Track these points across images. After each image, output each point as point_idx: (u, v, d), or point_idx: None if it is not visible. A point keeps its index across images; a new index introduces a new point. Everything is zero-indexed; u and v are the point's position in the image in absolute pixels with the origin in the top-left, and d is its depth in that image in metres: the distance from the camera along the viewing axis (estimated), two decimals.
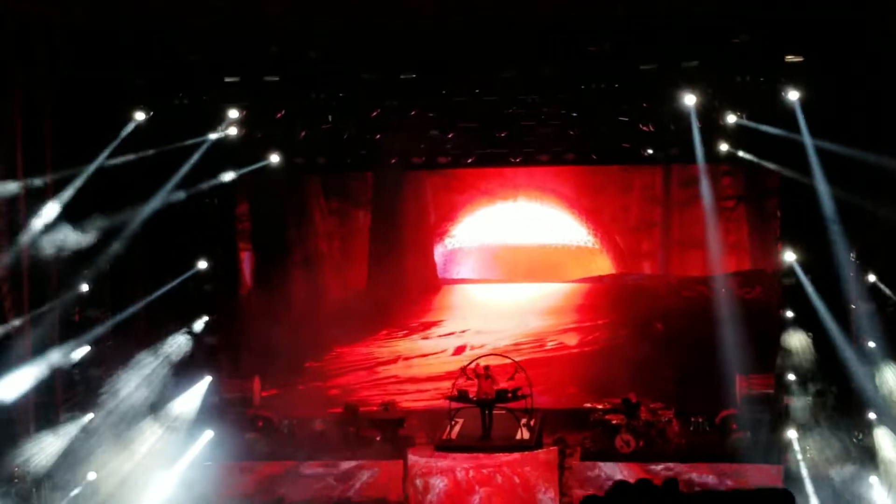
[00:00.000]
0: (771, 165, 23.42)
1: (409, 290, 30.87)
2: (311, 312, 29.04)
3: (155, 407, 22.71)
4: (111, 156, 21.91)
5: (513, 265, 30.94)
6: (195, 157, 23.10)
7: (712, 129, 23.53)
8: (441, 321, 30.62)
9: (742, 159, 24.03)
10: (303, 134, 24.38)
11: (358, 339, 29.73)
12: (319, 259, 30.43)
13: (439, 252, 31.20)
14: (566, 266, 30.90)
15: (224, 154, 23.85)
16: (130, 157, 22.14)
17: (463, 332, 30.03)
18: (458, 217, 31.25)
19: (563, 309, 30.53)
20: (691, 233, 29.55)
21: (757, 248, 28.41)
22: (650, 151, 24.71)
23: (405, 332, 30.23)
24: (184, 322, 23.79)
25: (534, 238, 31.05)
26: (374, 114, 23.78)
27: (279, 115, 23.95)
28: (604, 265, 30.91)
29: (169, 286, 23.39)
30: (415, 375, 28.94)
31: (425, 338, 30.12)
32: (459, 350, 29.23)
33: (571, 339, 29.71)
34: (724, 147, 23.72)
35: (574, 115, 23.99)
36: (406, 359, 29.51)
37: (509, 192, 30.48)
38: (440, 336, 30.16)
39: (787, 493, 3.45)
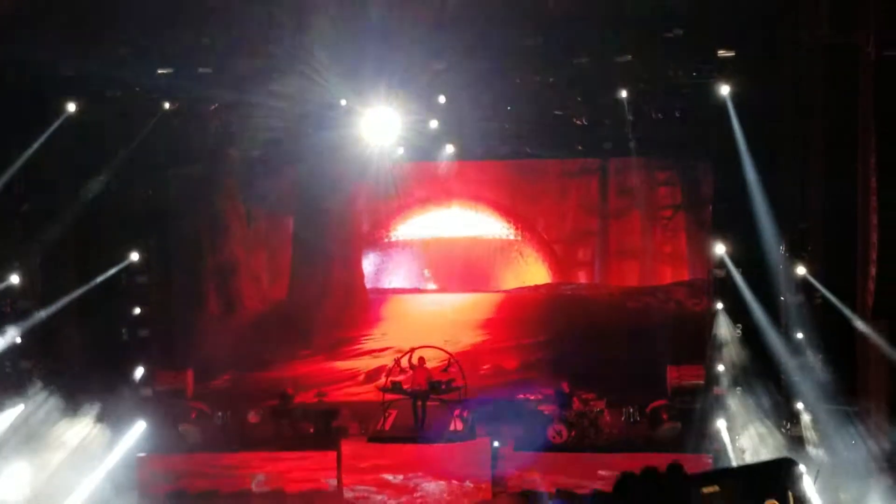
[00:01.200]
0: (702, 158, 23.65)
1: (332, 301, 29.72)
2: (222, 325, 27.88)
3: (84, 398, 22.61)
4: (43, 147, 21.81)
5: (446, 274, 30.37)
6: (128, 148, 23.03)
7: (645, 123, 23.71)
8: (361, 338, 29.22)
9: (675, 153, 24.26)
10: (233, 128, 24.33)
11: (259, 363, 27.61)
12: (235, 268, 29.30)
13: (370, 261, 30.64)
14: (501, 275, 30.39)
15: (158, 146, 23.74)
16: (62, 148, 22.01)
17: (383, 350, 28.52)
18: (391, 225, 30.70)
19: (499, 322, 29.00)
20: (628, 242, 29.41)
21: (695, 258, 27.81)
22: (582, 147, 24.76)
23: (309, 351, 28.46)
24: (116, 313, 23.69)
25: (468, 247, 30.44)
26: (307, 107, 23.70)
27: (213, 108, 23.86)
28: (539, 274, 30.51)
29: (101, 278, 23.27)
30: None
31: (335, 358, 28.41)
32: (376, 373, 27.19)
33: (510, 362, 27.95)
34: (656, 141, 23.91)
35: (509, 108, 24.06)
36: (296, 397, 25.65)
37: (443, 199, 30.00)
38: (357, 356, 28.55)
39: (789, 461, 3.52)
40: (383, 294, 30.53)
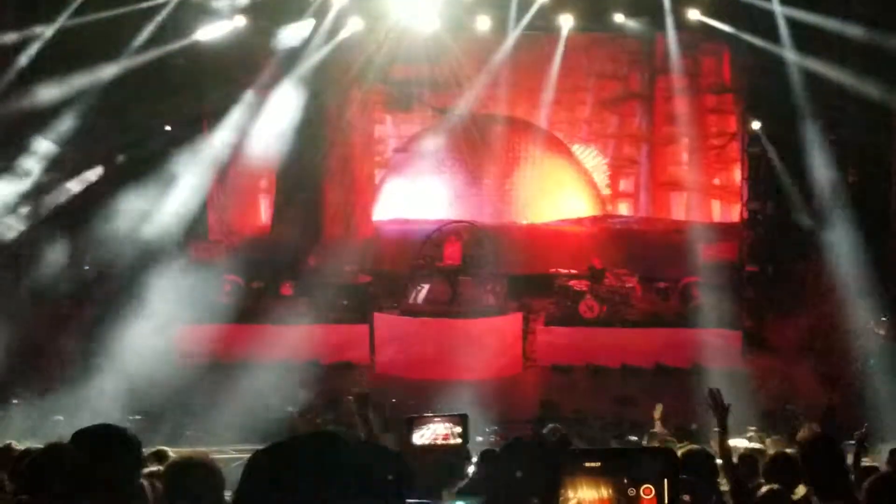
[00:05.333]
0: (742, 35, 23.27)
1: (326, 235, 26.94)
2: None
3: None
4: (73, 15, 21.63)
5: (475, 202, 28.57)
6: (161, 16, 22.84)
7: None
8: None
9: (714, 29, 23.86)
10: None
11: None
12: None
13: (395, 187, 29.25)
14: (537, 204, 28.80)
15: (190, 13, 23.52)
16: (93, 16, 21.78)
17: None
18: (409, 143, 29.22)
19: (547, 281, 25.10)
20: (675, 173, 28.22)
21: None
22: (620, 18, 24.25)
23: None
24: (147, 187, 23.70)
25: (498, 169, 28.79)
26: None
27: None
28: (578, 206, 29.14)
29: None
30: None
31: None
32: None
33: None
34: (695, 15, 23.54)
35: None
36: None
37: (469, 109, 27.89)
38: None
39: (669, 453, 3.46)
40: (403, 225, 28.28)
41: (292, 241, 25.99)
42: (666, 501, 3.10)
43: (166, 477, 5.28)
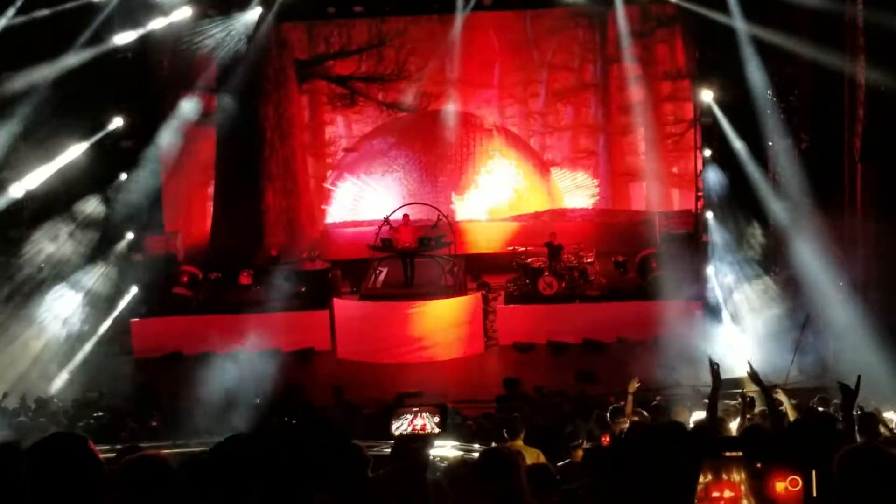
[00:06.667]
0: (691, 7, 23.28)
1: (267, 243, 26.46)
2: None
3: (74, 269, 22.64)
4: (18, 13, 21.31)
5: (430, 200, 26.99)
6: (107, 10, 22.53)
7: None
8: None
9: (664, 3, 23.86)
10: None
11: None
12: None
13: (340, 188, 28.81)
14: (493, 200, 28.56)
15: (137, 6, 23.23)
16: (37, 13, 21.47)
17: None
18: (360, 143, 28.70)
19: (505, 260, 25.26)
20: (633, 163, 28.13)
21: None
22: None
23: None
24: (101, 181, 23.48)
25: (453, 166, 28.40)
26: None
27: None
28: (535, 201, 28.69)
29: (86, 144, 23.05)
30: None
31: None
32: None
33: None
34: None
35: None
36: None
37: (418, 103, 27.86)
38: None
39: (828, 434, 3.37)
40: (355, 227, 28.07)
41: (231, 253, 25.64)
42: (814, 494, 3.02)
43: (117, 478, 5.15)
